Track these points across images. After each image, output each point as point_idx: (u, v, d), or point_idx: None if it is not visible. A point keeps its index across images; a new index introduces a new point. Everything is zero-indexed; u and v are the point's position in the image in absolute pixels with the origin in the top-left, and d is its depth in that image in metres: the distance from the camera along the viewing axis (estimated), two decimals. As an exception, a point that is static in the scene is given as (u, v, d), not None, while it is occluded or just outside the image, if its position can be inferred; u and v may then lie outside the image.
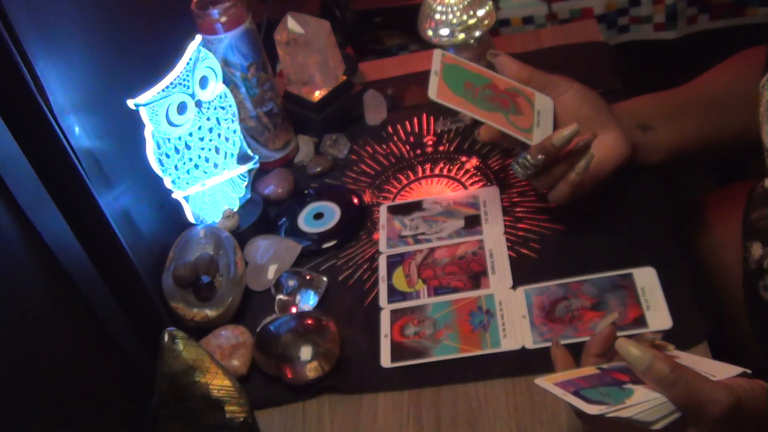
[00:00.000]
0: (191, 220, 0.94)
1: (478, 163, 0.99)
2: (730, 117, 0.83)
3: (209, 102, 0.92)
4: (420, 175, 1.00)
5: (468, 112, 0.80)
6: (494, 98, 0.81)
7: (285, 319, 0.82)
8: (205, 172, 0.93)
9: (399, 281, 0.87)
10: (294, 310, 0.86)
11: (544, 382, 0.57)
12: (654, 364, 0.53)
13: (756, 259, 0.73)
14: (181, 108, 0.88)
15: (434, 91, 0.80)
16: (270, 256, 0.92)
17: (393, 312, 0.84)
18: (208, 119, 0.92)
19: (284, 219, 0.98)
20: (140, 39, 0.92)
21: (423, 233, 0.92)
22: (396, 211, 0.96)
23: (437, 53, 0.82)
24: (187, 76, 0.87)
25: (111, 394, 0.76)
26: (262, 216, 0.98)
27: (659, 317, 0.75)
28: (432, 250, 0.90)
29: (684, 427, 0.54)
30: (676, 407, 0.53)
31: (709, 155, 0.89)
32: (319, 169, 1.04)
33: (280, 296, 0.87)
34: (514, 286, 0.83)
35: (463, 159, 1.01)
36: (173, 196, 0.91)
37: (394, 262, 0.90)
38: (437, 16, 1.04)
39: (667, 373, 0.53)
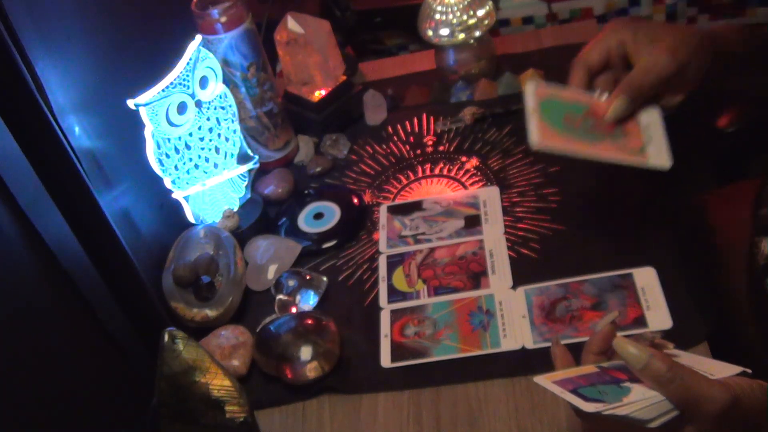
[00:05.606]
0: (191, 220, 0.94)
1: (478, 163, 0.99)
2: None
3: (209, 102, 0.92)
4: (420, 175, 1.00)
5: (577, 152, 0.69)
6: (597, 126, 0.71)
7: (285, 319, 0.82)
8: (205, 172, 0.93)
9: (399, 281, 0.87)
10: (294, 310, 0.86)
11: (542, 379, 0.57)
12: (651, 362, 0.53)
13: (766, 254, 0.72)
14: (181, 108, 0.88)
15: (536, 134, 0.68)
16: (270, 256, 0.92)
17: (393, 312, 0.84)
18: (208, 119, 0.92)
19: (284, 219, 0.98)
20: (140, 39, 0.92)
21: (423, 233, 0.92)
22: (396, 211, 0.96)
23: (530, 86, 0.71)
24: (187, 76, 0.87)
25: (111, 394, 0.76)
26: (262, 216, 0.98)
27: (659, 317, 0.75)
28: (432, 250, 0.90)
29: (682, 425, 0.54)
30: (674, 405, 0.53)
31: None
32: (319, 169, 1.04)
33: (280, 296, 0.87)
34: (514, 286, 0.83)
35: (463, 159, 1.01)
36: (173, 196, 0.91)
37: (394, 262, 0.90)
38: (437, 16, 1.04)
39: (664, 371, 0.53)
